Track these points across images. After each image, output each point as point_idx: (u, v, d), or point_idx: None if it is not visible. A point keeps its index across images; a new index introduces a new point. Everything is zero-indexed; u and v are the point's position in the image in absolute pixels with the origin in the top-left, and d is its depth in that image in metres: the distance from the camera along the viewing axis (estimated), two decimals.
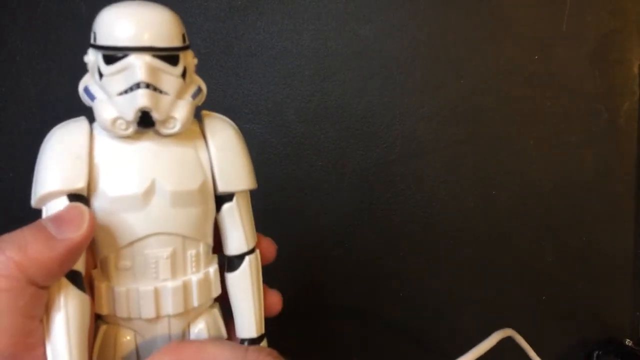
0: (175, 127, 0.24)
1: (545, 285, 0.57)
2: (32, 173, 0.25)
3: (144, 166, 0.24)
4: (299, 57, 0.50)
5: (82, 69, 0.25)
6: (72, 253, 0.23)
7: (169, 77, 0.24)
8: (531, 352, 0.46)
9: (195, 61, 0.26)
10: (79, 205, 0.23)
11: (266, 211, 0.50)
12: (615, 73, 0.56)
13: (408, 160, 0.53)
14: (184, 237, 0.26)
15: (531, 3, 0.53)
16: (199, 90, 0.26)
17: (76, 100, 0.25)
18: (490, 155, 0.54)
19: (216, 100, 0.48)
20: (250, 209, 0.28)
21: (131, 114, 0.23)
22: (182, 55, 0.24)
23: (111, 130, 0.24)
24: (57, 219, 0.23)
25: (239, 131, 0.28)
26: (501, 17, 0.53)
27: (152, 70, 0.23)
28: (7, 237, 0.22)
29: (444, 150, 0.53)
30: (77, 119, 0.25)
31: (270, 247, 0.30)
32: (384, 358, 0.54)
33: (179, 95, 0.24)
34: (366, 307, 0.53)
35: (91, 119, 0.25)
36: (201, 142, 0.26)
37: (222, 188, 0.27)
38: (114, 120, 0.23)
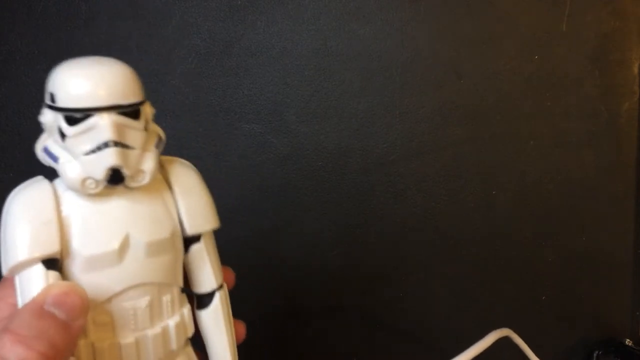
0: (145, 179, 0.24)
1: (545, 285, 0.57)
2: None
3: (116, 221, 0.24)
4: (299, 57, 0.50)
5: None
6: (81, 334, 0.23)
7: (134, 131, 0.24)
8: (529, 352, 0.46)
9: (153, 110, 0.26)
10: (75, 286, 0.23)
11: (266, 211, 0.50)
12: (615, 73, 0.56)
13: (408, 160, 0.53)
14: (159, 284, 0.26)
15: (531, 3, 0.53)
16: (160, 139, 0.26)
17: None
18: (490, 155, 0.54)
19: (216, 100, 0.48)
20: (215, 246, 0.29)
21: (101, 173, 0.23)
22: (142, 107, 0.25)
23: (80, 190, 0.23)
24: (61, 304, 0.22)
25: (198, 172, 0.28)
26: (501, 17, 0.53)
27: (119, 128, 0.23)
28: (24, 329, 0.22)
29: (444, 150, 0.53)
30: (36, 179, 0.25)
31: (229, 275, 0.31)
32: (384, 358, 0.54)
33: (144, 147, 0.25)
34: (366, 307, 0.53)
35: (48, 175, 0.25)
36: (165, 188, 0.27)
37: (191, 231, 0.27)
38: (84, 181, 0.23)
